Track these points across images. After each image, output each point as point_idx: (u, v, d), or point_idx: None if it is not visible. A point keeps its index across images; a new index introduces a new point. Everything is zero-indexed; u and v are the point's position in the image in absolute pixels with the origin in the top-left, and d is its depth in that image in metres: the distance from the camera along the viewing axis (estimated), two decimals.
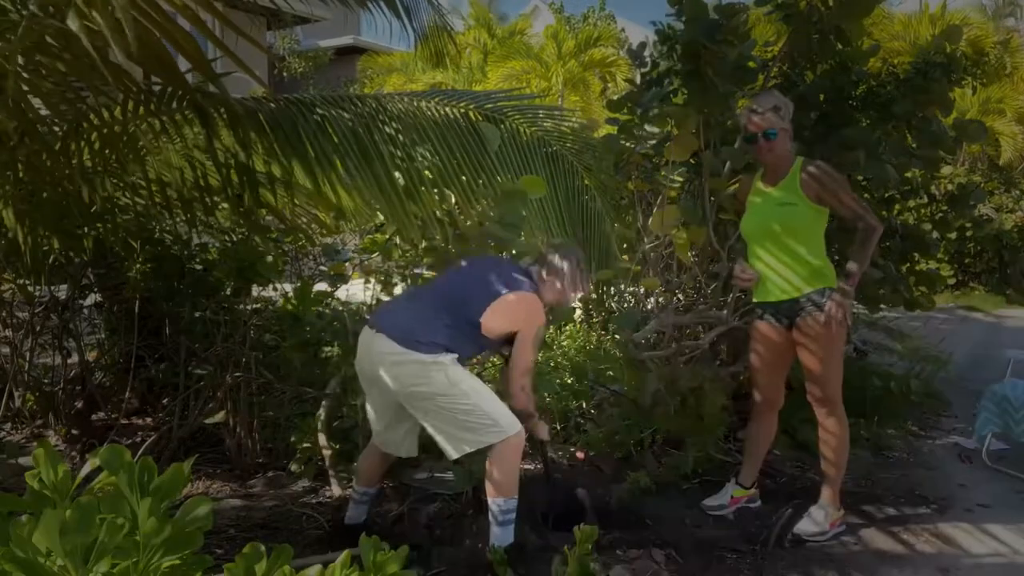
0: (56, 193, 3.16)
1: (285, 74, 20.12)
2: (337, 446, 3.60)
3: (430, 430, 2.74)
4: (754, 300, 3.34)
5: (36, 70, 2.48)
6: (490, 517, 2.73)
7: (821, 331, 3.09)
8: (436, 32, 3.61)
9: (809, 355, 3.16)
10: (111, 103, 2.94)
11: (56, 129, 2.89)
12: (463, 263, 2.99)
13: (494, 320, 2.73)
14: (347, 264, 4.04)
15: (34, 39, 2.28)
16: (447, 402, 2.63)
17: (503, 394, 2.84)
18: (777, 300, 3.20)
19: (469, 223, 3.32)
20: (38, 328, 4.23)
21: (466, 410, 2.63)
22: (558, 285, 2.88)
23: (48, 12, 2.06)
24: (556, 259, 2.88)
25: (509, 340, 2.80)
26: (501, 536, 2.70)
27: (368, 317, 2.96)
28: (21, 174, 3.04)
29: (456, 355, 2.68)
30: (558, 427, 4.18)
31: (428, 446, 3.83)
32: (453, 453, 2.71)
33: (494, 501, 2.71)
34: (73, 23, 1.90)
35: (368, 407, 2.94)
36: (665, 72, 4.38)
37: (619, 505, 3.38)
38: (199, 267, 4.03)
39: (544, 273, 2.89)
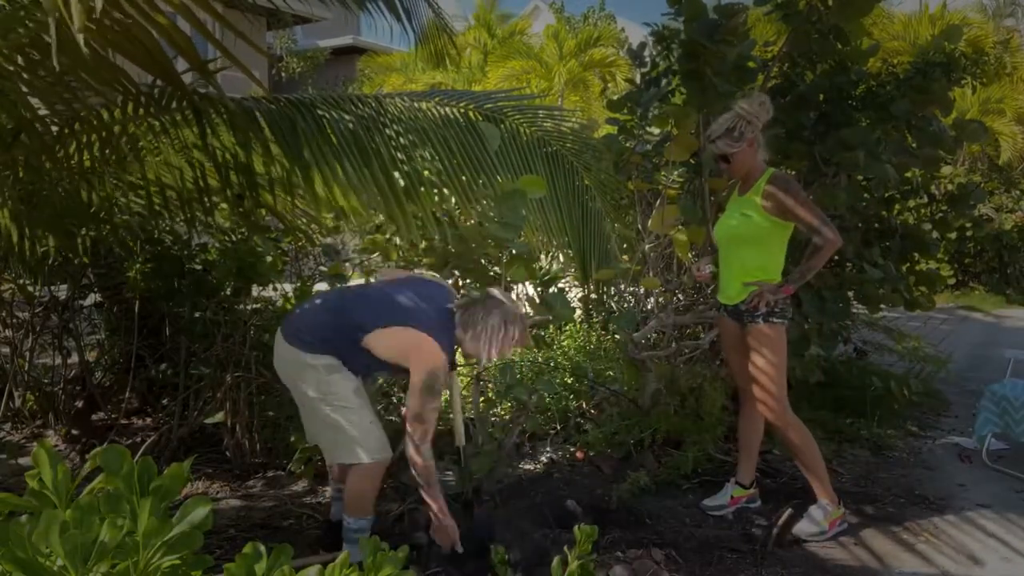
0: (55, 193, 3.16)
1: (284, 74, 20.11)
2: None
3: (313, 430, 2.75)
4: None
5: (32, 68, 2.48)
6: (343, 532, 2.70)
7: (756, 340, 3.13)
8: (436, 33, 3.61)
9: (749, 361, 3.19)
10: (109, 103, 2.94)
11: (54, 129, 2.89)
12: (394, 279, 2.83)
13: (377, 342, 2.57)
14: (347, 264, 4.04)
15: (31, 36, 2.27)
16: (319, 407, 2.62)
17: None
18: (725, 303, 3.30)
19: (469, 223, 3.32)
20: (38, 328, 4.24)
21: (332, 424, 2.60)
22: (475, 341, 2.62)
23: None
24: (479, 315, 2.61)
25: (402, 369, 2.63)
26: (352, 554, 2.65)
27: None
28: (21, 173, 3.04)
29: (335, 360, 2.59)
30: (558, 427, 4.18)
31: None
32: (327, 458, 2.75)
33: (345, 518, 2.69)
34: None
35: None
36: (663, 72, 4.39)
37: (619, 505, 3.38)
38: (199, 267, 4.03)
39: (463, 324, 2.63)
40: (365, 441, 2.61)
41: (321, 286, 4.14)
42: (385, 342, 2.57)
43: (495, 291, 2.72)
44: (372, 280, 3.42)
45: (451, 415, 3.02)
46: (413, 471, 2.61)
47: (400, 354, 2.59)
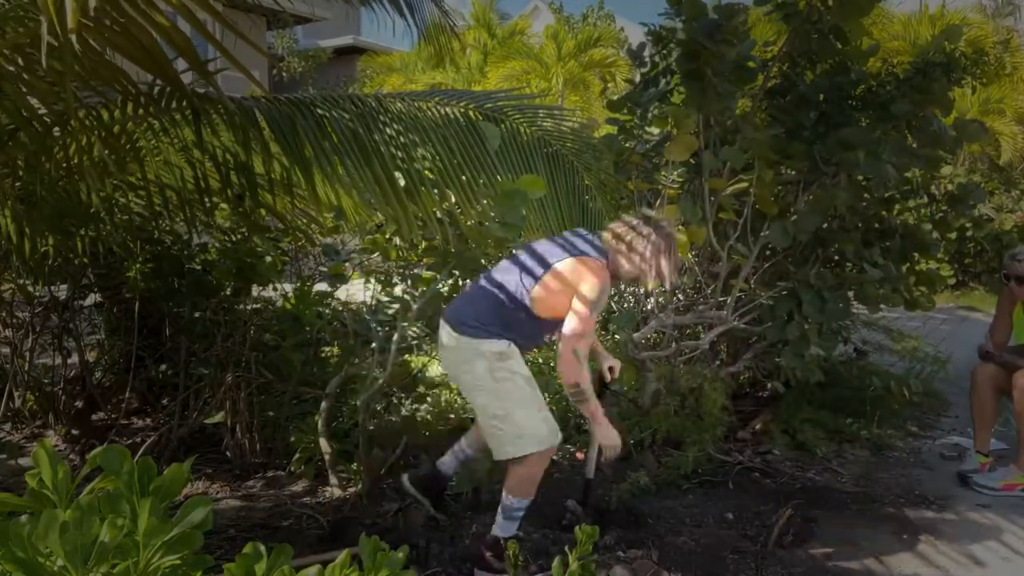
0: (54, 193, 3.16)
1: (284, 74, 20.11)
2: (336, 446, 3.60)
3: (480, 422, 2.77)
4: None
5: (31, 68, 2.48)
6: (500, 507, 2.74)
7: None
8: (438, 29, 3.60)
9: None
10: (109, 103, 2.94)
11: (55, 130, 2.89)
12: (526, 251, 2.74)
13: (544, 293, 2.51)
14: (347, 264, 4.04)
15: (30, 35, 2.27)
16: (484, 399, 2.60)
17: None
18: None
19: (469, 223, 3.32)
20: (38, 328, 4.23)
21: (498, 415, 2.59)
22: (636, 258, 2.56)
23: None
24: (638, 234, 2.56)
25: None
26: (503, 527, 2.74)
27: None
28: (21, 173, 3.04)
29: (507, 343, 2.56)
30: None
31: (427, 446, 3.84)
32: (494, 455, 2.73)
33: (507, 496, 2.71)
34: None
35: None
36: (661, 72, 4.38)
37: (619, 505, 3.38)
38: (199, 267, 4.03)
39: (620, 246, 2.59)
40: (533, 432, 2.59)
41: (321, 286, 4.15)
42: (551, 287, 2.52)
43: (646, 222, 2.63)
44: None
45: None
46: (572, 391, 2.57)
47: (568, 288, 2.50)
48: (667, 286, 2.71)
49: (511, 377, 2.59)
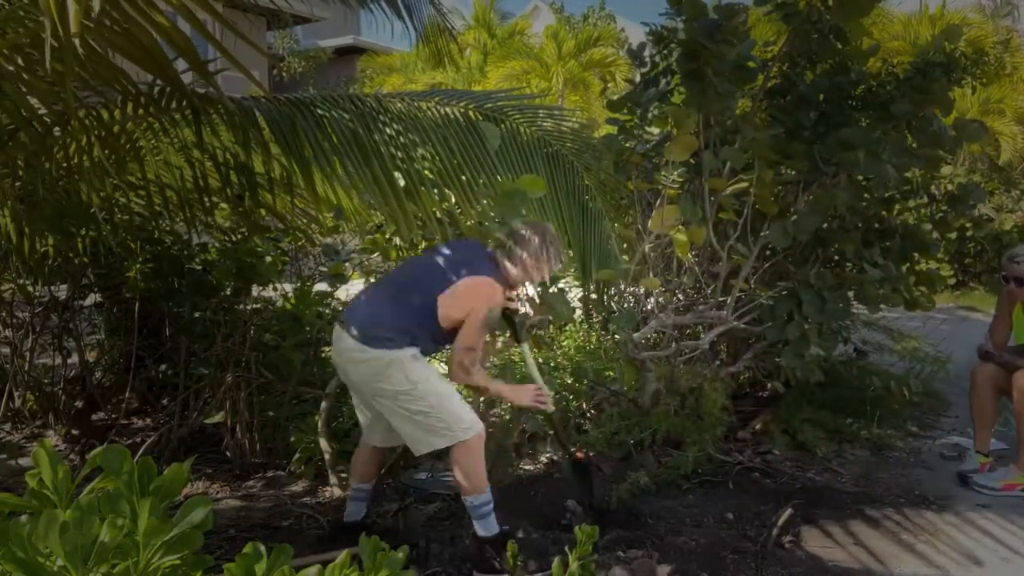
0: (54, 193, 3.16)
1: (284, 74, 20.10)
2: (337, 446, 3.60)
3: (395, 427, 2.77)
4: None
5: (31, 68, 2.48)
6: (469, 512, 2.77)
7: None
8: (437, 31, 3.61)
9: None
10: (109, 103, 2.94)
11: (55, 130, 2.89)
12: (415, 261, 2.94)
13: (447, 310, 2.68)
14: (347, 264, 4.04)
15: (30, 36, 2.27)
16: (406, 401, 2.65)
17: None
18: None
19: (469, 223, 3.32)
20: (38, 328, 4.23)
21: (423, 411, 2.65)
22: (520, 267, 2.79)
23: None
24: (517, 243, 2.78)
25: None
26: (484, 528, 2.75)
27: (340, 314, 2.96)
28: (21, 173, 3.04)
29: (416, 349, 2.66)
30: (559, 418, 4.17)
31: None
32: (415, 452, 2.78)
33: (466, 498, 2.76)
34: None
35: (354, 400, 2.98)
36: (662, 72, 4.39)
37: (619, 505, 3.38)
38: (199, 267, 4.03)
39: (504, 256, 2.80)
40: (458, 421, 2.68)
41: (321, 286, 4.14)
42: (455, 302, 2.67)
43: (521, 223, 2.85)
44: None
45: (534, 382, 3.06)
46: (471, 387, 2.80)
47: (466, 306, 2.68)
48: (546, 278, 2.90)
49: (427, 375, 2.68)
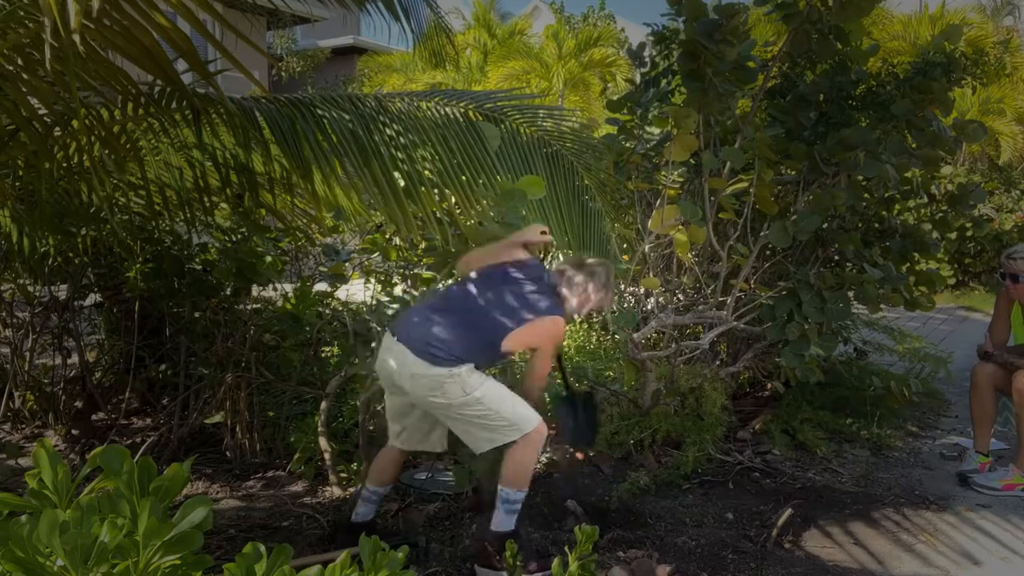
0: (54, 193, 3.16)
1: (284, 73, 20.10)
2: (336, 446, 3.60)
3: (455, 431, 2.82)
4: None
5: (31, 68, 2.48)
6: (497, 502, 2.77)
7: None
8: (434, 33, 3.60)
9: None
10: (109, 103, 2.94)
11: (55, 130, 2.89)
12: (485, 270, 2.92)
13: (517, 343, 2.81)
14: (347, 264, 4.04)
15: (30, 36, 2.27)
16: (463, 410, 2.70)
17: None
18: None
19: (469, 223, 3.32)
20: (38, 328, 4.23)
21: (482, 415, 2.69)
22: (580, 302, 2.90)
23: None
24: (585, 279, 2.89)
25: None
26: (503, 522, 2.75)
27: (392, 323, 2.94)
28: (21, 173, 3.04)
29: (472, 364, 2.70)
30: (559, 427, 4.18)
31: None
32: (476, 451, 2.81)
33: (503, 489, 2.76)
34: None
35: (388, 408, 2.97)
36: (662, 72, 4.39)
37: (619, 505, 3.38)
38: (199, 267, 4.03)
39: (568, 287, 2.89)
40: (519, 417, 2.73)
41: (321, 286, 4.14)
42: (524, 339, 2.81)
43: (588, 258, 3.02)
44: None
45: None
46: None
47: (535, 341, 2.85)
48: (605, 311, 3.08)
49: (483, 381, 2.72)
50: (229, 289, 4.04)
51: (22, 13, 2.25)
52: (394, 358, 2.74)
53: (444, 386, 2.66)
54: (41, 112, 2.71)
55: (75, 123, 2.80)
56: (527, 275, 2.90)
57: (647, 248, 4.02)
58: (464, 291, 2.91)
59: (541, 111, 3.83)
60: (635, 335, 4.02)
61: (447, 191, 3.14)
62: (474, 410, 2.69)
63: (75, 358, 4.32)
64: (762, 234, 4.11)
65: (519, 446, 2.73)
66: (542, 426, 2.77)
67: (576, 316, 3.05)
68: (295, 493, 3.53)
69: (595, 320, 5.00)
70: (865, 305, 4.44)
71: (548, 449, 4.00)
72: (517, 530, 2.78)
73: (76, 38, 1.76)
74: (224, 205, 3.76)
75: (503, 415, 2.71)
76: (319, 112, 2.92)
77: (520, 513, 2.78)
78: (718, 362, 4.68)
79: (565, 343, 4.87)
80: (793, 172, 4.29)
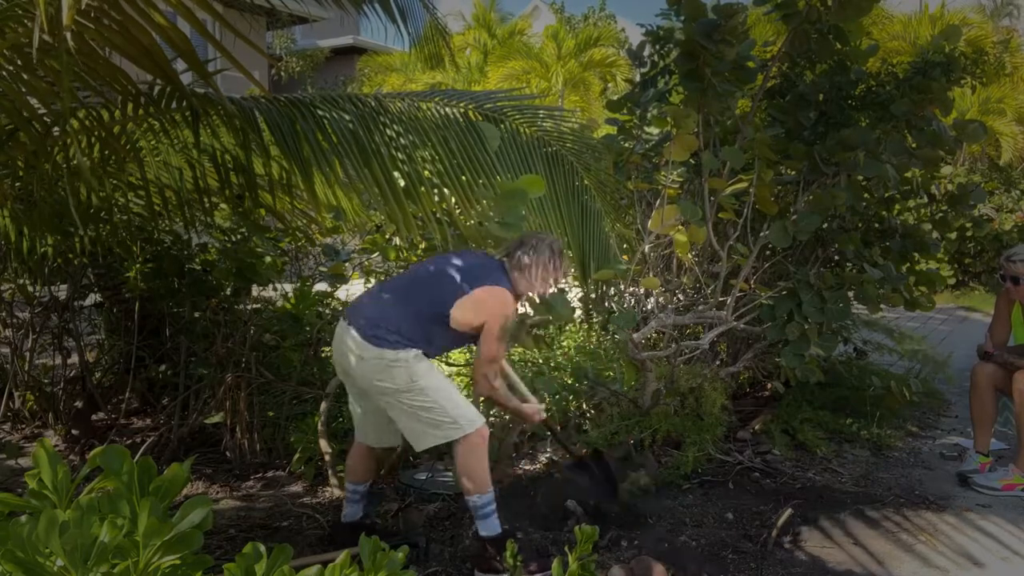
0: (54, 193, 3.16)
1: (283, 73, 20.09)
2: (336, 446, 3.60)
3: (397, 423, 2.78)
4: None
5: (30, 68, 2.48)
6: (471, 511, 2.78)
7: None
8: (431, 35, 3.60)
9: None
10: (108, 103, 2.94)
11: (55, 130, 2.89)
12: (427, 264, 2.98)
13: (462, 314, 2.72)
14: (347, 264, 4.05)
15: (28, 35, 2.27)
16: (408, 399, 2.67)
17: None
18: None
19: (469, 223, 3.32)
20: (38, 328, 4.23)
21: (427, 407, 2.67)
22: (528, 278, 2.85)
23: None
24: (525, 253, 2.83)
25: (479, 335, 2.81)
26: (486, 528, 2.75)
27: (344, 310, 2.97)
28: (21, 173, 3.04)
29: (420, 350, 2.69)
30: (558, 428, 4.18)
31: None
32: (416, 447, 2.78)
33: (469, 498, 2.76)
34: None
35: (350, 399, 2.98)
36: (660, 71, 4.39)
37: (619, 505, 3.38)
38: (199, 267, 4.03)
39: (514, 267, 2.85)
40: (462, 416, 2.70)
41: (321, 286, 4.14)
42: (468, 310, 2.72)
43: (529, 235, 2.91)
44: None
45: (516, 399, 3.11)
46: (483, 399, 2.85)
47: (481, 314, 2.74)
48: (551, 290, 2.96)
49: (429, 371, 2.71)
50: (229, 289, 4.04)
51: (20, 12, 2.24)
52: (345, 342, 2.73)
53: (391, 370, 2.63)
54: (40, 112, 2.71)
55: (74, 123, 2.80)
56: (470, 256, 2.93)
57: (647, 248, 4.02)
58: (411, 272, 2.99)
59: (541, 111, 3.83)
60: (635, 335, 4.02)
61: (447, 191, 3.14)
62: (418, 401, 2.66)
63: (75, 358, 4.32)
64: (762, 234, 4.11)
65: (463, 452, 2.70)
66: (484, 429, 2.74)
67: (529, 294, 2.95)
68: (295, 493, 3.53)
69: (595, 320, 5.00)
70: (865, 305, 4.44)
71: (548, 449, 4.00)
72: (507, 530, 2.78)
73: (68, 35, 1.76)
74: (224, 205, 3.76)
75: (447, 411, 2.67)
76: (319, 112, 2.93)
77: (496, 513, 2.77)
78: (718, 362, 4.68)
79: (565, 343, 4.86)
80: (793, 172, 4.29)
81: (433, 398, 2.67)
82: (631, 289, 4.67)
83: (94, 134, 2.99)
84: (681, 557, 2.94)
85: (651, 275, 4.25)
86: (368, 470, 3.05)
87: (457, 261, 2.87)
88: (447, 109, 3.30)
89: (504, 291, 2.78)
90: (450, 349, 2.97)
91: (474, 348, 2.86)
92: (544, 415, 3.14)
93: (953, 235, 5.03)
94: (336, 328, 2.83)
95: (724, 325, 4.14)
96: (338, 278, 3.93)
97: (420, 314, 2.71)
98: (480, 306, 2.73)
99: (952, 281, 10.38)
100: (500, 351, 2.81)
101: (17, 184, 3.13)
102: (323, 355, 4.16)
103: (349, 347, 2.71)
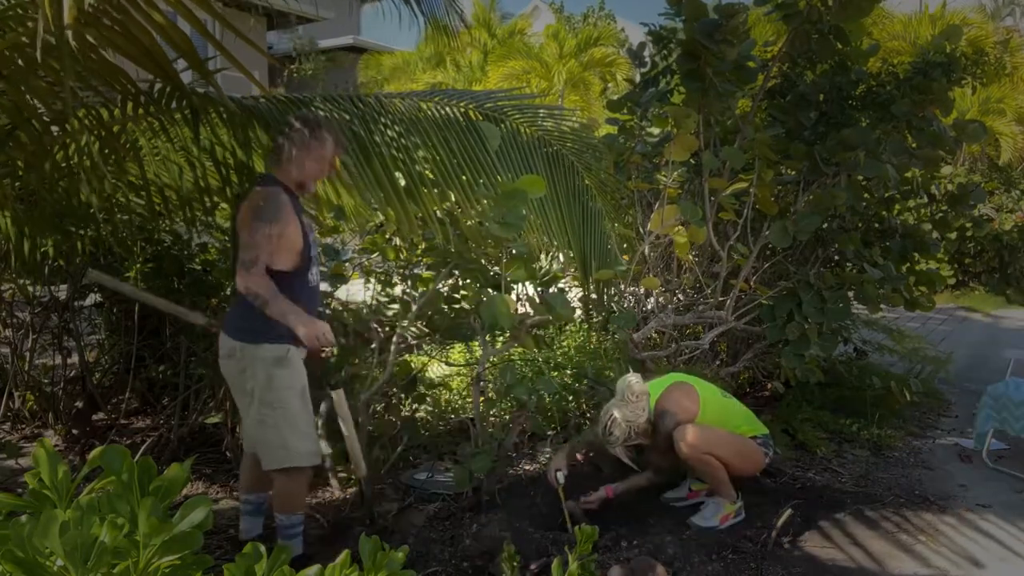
0: (54, 193, 3.16)
1: (296, 76, 20.05)
2: (337, 446, 3.59)
3: (253, 434, 2.72)
4: None
5: (31, 68, 2.48)
6: (277, 530, 2.73)
7: None
8: (446, 14, 3.55)
9: None
10: (109, 102, 2.94)
11: (55, 130, 2.89)
12: None
13: (241, 224, 2.54)
14: (347, 264, 4.04)
15: (29, 35, 2.27)
16: (259, 407, 2.61)
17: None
18: None
19: (469, 223, 3.32)
20: (38, 328, 4.23)
21: (267, 423, 2.61)
22: (295, 164, 2.61)
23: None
24: (284, 140, 2.61)
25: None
26: (294, 549, 2.68)
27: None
28: (21, 173, 3.04)
29: (288, 346, 2.57)
30: (558, 427, 4.18)
31: (427, 446, 3.84)
32: (264, 466, 2.70)
33: (278, 516, 2.72)
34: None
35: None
36: (661, 71, 4.39)
37: (619, 505, 3.38)
38: (199, 267, 4.03)
39: (273, 162, 2.65)
40: (299, 447, 2.64)
41: (321, 286, 4.14)
42: (242, 226, 2.53)
43: (291, 118, 2.67)
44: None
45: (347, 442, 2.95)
46: (254, 296, 2.50)
47: (250, 216, 2.52)
48: (329, 169, 2.70)
49: (287, 388, 2.62)
50: (229, 289, 4.03)
51: (21, 11, 2.25)
52: (220, 344, 2.69)
53: (254, 367, 2.56)
54: (40, 112, 2.71)
55: (74, 122, 2.80)
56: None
57: (647, 248, 4.02)
58: None
59: (541, 111, 3.83)
60: (635, 335, 4.02)
61: (447, 191, 3.14)
62: (266, 412, 2.59)
63: (75, 358, 4.32)
64: (762, 234, 4.11)
65: (288, 476, 2.65)
66: (311, 467, 2.70)
67: (316, 173, 2.69)
68: None
69: (595, 320, 5.00)
70: (865, 305, 4.44)
71: (549, 449, 4.00)
72: (304, 556, 2.70)
73: (69, 33, 1.76)
74: (224, 205, 3.76)
75: (282, 434, 2.59)
76: (320, 112, 2.93)
77: (304, 536, 2.74)
78: (718, 362, 4.68)
79: (565, 343, 4.86)
80: (793, 172, 4.29)
81: (276, 417, 2.59)
82: (631, 289, 4.68)
83: (94, 133, 2.99)
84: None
85: (651, 275, 4.25)
86: (256, 481, 2.88)
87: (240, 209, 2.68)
88: (448, 109, 3.30)
89: (263, 189, 2.56)
90: (307, 307, 2.64)
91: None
92: (327, 342, 2.67)
93: (953, 235, 5.04)
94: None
95: (724, 325, 4.14)
96: (338, 278, 3.92)
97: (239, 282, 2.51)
98: (244, 214, 2.55)
99: (952, 281, 10.38)
100: (258, 235, 2.49)
101: (17, 184, 3.13)
102: (323, 355, 4.15)
103: (221, 348, 2.66)
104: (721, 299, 4.21)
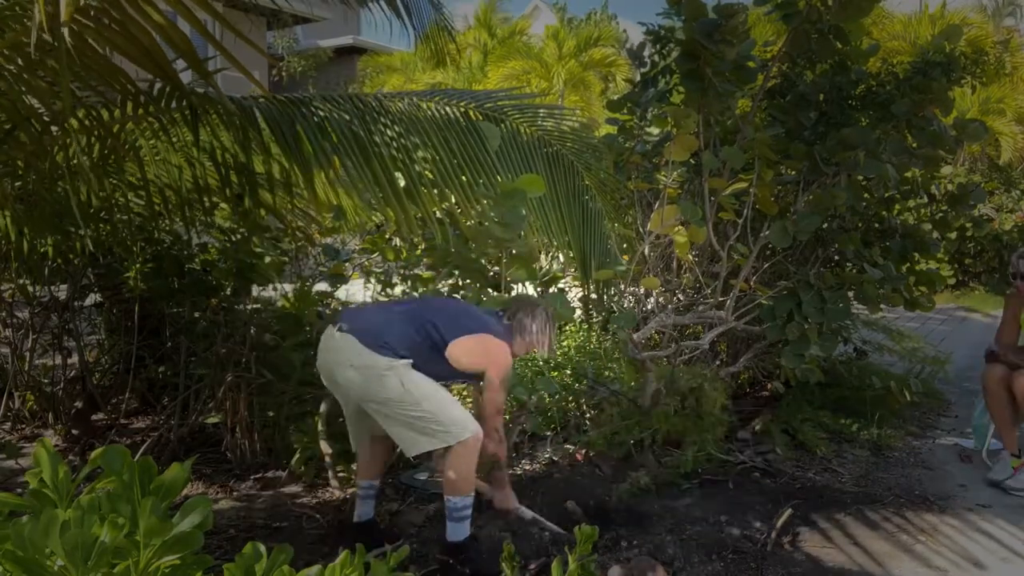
0: (53, 193, 3.16)
1: (284, 74, 20.06)
2: (337, 446, 3.60)
3: (387, 431, 2.76)
4: None
5: (30, 68, 2.48)
6: (446, 511, 2.76)
7: None
8: (436, 31, 3.60)
9: None
10: (108, 102, 2.94)
11: (54, 130, 2.89)
12: (438, 298, 3.07)
13: (461, 351, 2.77)
14: (347, 264, 4.04)
15: (28, 34, 2.27)
16: (400, 408, 2.66)
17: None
18: None
19: (469, 223, 3.32)
20: (38, 328, 4.23)
21: (419, 416, 2.66)
22: (522, 340, 2.95)
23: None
24: (522, 316, 2.94)
25: (476, 376, 2.87)
26: (455, 531, 2.74)
27: (334, 317, 2.98)
28: (20, 172, 3.04)
29: (413, 361, 2.70)
30: (558, 427, 4.18)
31: None
32: (408, 453, 2.79)
33: (448, 498, 2.75)
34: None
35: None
36: (660, 71, 4.39)
37: (619, 505, 3.38)
38: (199, 267, 4.03)
39: (515, 328, 2.94)
40: (455, 423, 2.69)
41: (321, 286, 4.14)
42: (465, 349, 2.77)
43: (524, 296, 3.06)
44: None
45: None
46: (495, 452, 2.87)
47: (478, 359, 2.81)
48: (547, 353, 3.16)
49: (420, 380, 2.70)
50: (229, 289, 4.04)
51: (19, 11, 2.25)
52: (336, 349, 2.73)
53: (383, 378, 2.63)
54: (40, 111, 2.71)
55: (73, 122, 2.80)
56: (476, 308, 3.04)
57: (647, 248, 4.02)
58: (418, 300, 3.12)
59: (541, 111, 3.84)
60: (635, 335, 4.02)
61: (447, 191, 3.14)
62: (410, 410, 2.65)
63: (75, 358, 4.32)
64: (762, 234, 4.11)
65: (456, 453, 2.69)
66: (479, 433, 2.74)
67: (524, 353, 3.05)
68: (295, 493, 3.53)
69: (595, 320, 5.00)
70: (865, 305, 4.44)
71: (549, 449, 4.00)
72: (470, 538, 2.76)
73: (66, 31, 1.76)
74: (224, 205, 3.76)
75: (439, 418, 2.66)
76: (320, 112, 2.93)
77: (470, 520, 2.76)
78: (718, 362, 4.68)
79: (565, 343, 4.86)
80: (793, 172, 4.29)
81: (425, 407, 2.65)
82: (631, 289, 4.68)
83: (94, 133, 2.99)
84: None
85: (651, 275, 4.25)
86: (381, 465, 3.04)
87: (462, 307, 3.02)
88: (448, 109, 3.31)
89: (506, 346, 2.86)
90: (443, 380, 2.97)
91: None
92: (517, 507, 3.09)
93: (953, 235, 5.03)
94: (325, 334, 2.81)
95: (724, 325, 4.14)
96: (338, 278, 3.92)
97: (418, 338, 2.73)
98: (481, 350, 2.79)
99: (952, 281, 10.38)
100: (503, 402, 2.92)
101: (17, 184, 3.13)
102: None
103: (341, 351, 2.70)
104: (721, 299, 4.21)
